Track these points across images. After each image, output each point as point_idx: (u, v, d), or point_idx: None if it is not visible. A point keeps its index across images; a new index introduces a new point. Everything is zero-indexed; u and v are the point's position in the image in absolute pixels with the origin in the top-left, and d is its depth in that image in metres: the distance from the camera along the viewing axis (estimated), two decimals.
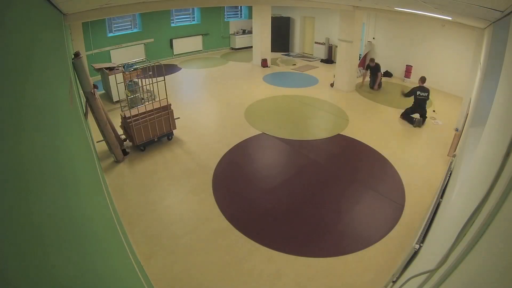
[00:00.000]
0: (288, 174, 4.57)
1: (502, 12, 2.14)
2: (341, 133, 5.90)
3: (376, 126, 6.24)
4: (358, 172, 4.66)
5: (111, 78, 6.65)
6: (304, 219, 3.69)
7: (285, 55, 12.67)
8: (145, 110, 5.01)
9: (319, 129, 6.17)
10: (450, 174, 3.50)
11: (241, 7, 13.79)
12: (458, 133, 4.98)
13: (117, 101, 6.65)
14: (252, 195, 4.09)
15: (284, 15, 12.88)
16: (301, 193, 4.15)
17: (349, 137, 5.76)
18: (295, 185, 4.32)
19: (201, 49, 12.49)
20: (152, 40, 10.79)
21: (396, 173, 4.63)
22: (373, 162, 4.96)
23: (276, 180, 4.41)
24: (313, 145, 5.49)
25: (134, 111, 4.96)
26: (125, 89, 5.39)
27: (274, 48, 11.75)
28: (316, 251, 3.24)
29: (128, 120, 4.86)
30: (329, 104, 7.41)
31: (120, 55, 9.94)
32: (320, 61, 11.48)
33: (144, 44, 10.61)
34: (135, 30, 10.51)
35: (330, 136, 5.82)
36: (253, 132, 5.89)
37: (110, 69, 6.90)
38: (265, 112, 6.96)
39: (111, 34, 9.80)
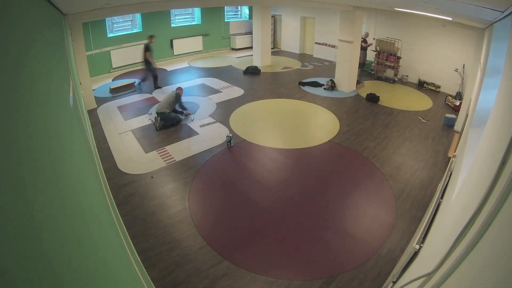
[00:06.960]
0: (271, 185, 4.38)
1: (502, 12, 2.14)
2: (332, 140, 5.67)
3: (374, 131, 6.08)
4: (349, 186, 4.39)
5: None
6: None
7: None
8: None
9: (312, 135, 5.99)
10: (450, 174, 3.49)
11: (241, 7, 13.79)
12: (458, 133, 4.98)
13: None
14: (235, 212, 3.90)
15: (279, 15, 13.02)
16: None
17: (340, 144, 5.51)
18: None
19: (202, 49, 12.49)
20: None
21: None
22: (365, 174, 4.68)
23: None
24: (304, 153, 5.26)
25: None
26: None
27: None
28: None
29: None
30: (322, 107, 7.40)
31: (121, 56, 9.95)
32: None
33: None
34: (135, 30, 10.50)
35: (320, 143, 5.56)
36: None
37: None
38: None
39: (111, 34, 9.80)
